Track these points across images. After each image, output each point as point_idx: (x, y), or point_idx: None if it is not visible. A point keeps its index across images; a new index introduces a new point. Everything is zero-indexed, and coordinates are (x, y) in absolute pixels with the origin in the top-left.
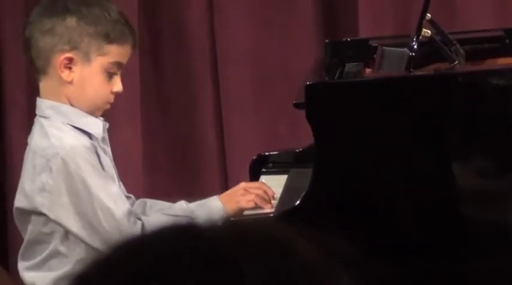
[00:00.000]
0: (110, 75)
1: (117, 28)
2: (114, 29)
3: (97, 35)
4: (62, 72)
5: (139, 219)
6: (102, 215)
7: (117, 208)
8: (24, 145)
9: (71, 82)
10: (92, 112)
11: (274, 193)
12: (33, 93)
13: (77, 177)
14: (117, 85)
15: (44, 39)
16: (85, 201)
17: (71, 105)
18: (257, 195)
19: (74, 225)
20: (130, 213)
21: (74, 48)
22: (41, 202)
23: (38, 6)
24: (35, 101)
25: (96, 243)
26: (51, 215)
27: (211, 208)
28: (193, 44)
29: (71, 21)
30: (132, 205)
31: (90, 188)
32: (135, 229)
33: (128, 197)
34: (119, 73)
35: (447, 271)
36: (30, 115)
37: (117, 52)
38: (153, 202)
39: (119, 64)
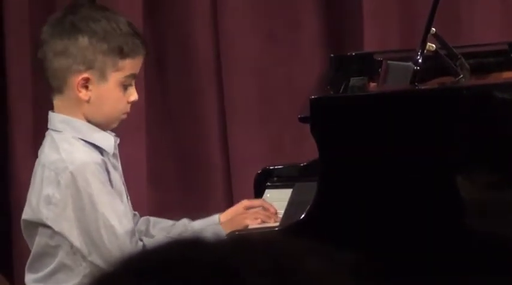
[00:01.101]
0: (125, 87)
1: (129, 41)
2: (127, 42)
3: (110, 51)
4: (80, 92)
5: (141, 240)
6: (105, 233)
7: (121, 227)
8: (29, 157)
9: (88, 101)
10: (110, 125)
11: (275, 210)
12: (38, 105)
13: (84, 193)
14: (133, 95)
15: (57, 60)
16: (90, 217)
17: (87, 120)
18: (258, 212)
19: (76, 240)
20: (133, 233)
21: (89, 67)
22: (46, 215)
23: (46, 25)
24: (41, 114)
25: (97, 260)
26: (55, 228)
27: (213, 234)
28: (198, 57)
29: (83, 40)
30: (136, 222)
31: (96, 205)
32: (136, 250)
33: (133, 216)
34: (133, 83)
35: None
36: (35, 128)
37: (131, 66)
38: (156, 220)
39: (133, 76)
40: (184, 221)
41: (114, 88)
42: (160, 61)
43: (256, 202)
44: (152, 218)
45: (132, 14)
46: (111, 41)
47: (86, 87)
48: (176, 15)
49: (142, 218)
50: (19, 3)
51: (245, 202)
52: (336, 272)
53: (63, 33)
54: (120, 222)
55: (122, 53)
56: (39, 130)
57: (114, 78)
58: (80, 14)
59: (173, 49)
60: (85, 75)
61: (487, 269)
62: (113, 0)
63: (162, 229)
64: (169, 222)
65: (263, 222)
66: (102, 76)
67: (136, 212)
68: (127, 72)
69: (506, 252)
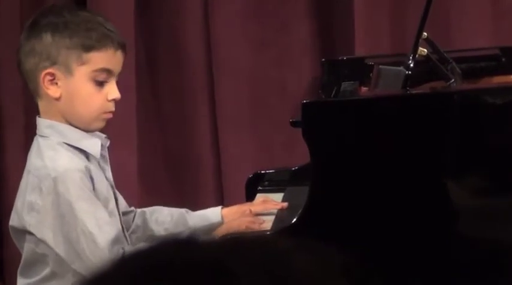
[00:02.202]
0: (99, 84)
1: (93, 35)
2: (90, 36)
3: (73, 45)
4: (48, 89)
5: (122, 249)
6: (84, 240)
7: (101, 235)
8: (20, 161)
9: (59, 99)
10: (91, 125)
11: (284, 206)
12: (31, 110)
13: (64, 200)
14: (112, 93)
15: (28, 61)
16: (70, 225)
17: (68, 122)
18: (242, 221)
19: (58, 247)
20: (116, 241)
21: (53, 63)
22: (28, 221)
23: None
24: (32, 118)
25: (78, 267)
26: (37, 235)
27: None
28: (189, 60)
29: (46, 37)
30: (133, 217)
31: (76, 213)
32: (131, 251)
33: (129, 212)
34: (111, 80)
35: None
36: (27, 133)
37: (98, 59)
38: (153, 210)
39: (107, 71)
40: (184, 215)
41: (83, 83)
42: (152, 63)
43: (259, 207)
44: (148, 210)
45: (123, 16)
46: (73, 36)
47: (56, 84)
48: (168, 17)
49: (138, 211)
50: (10, 7)
51: (247, 206)
52: (329, 274)
53: (29, 34)
54: (100, 229)
55: (86, 46)
56: (31, 135)
57: (81, 72)
58: (43, 12)
59: (165, 51)
60: (49, 70)
61: (477, 271)
62: (104, 3)
63: (160, 224)
64: (167, 214)
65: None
66: (68, 71)
67: (133, 208)
68: (95, 66)
69: (498, 255)
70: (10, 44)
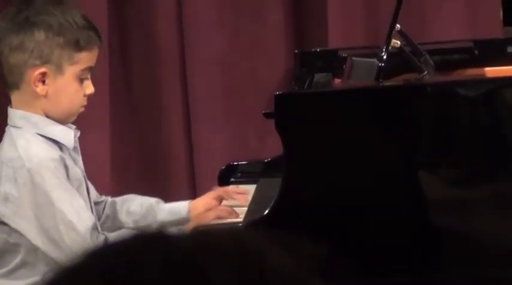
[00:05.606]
0: (81, 81)
1: (85, 34)
2: (82, 35)
3: (66, 44)
4: (37, 86)
5: (103, 234)
6: (64, 229)
7: (81, 222)
8: None
9: (45, 96)
10: (69, 119)
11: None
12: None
13: (40, 190)
14: (89, 88)
15: (14, 55)
16: (47, 214)
17: (46, 115)
18: (219, 209)
19: (36, 238)
20: (94, 228)
21: (45, 62)
22: (3, 212)
23: (0, 21)
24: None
25: (57, 256)
26: (12, 225)
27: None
28: (162, 52)
29: (39, 34)
30: (104, 207)
31: (53, 202)
32: (99, 245)
33: (100, 202)
34: (89, 76)
35: (418, 279)
36: None
37: (87, 59)
38: (124, 199)
39: (89, 69)
40: (153, 208)
41: (70, 82)
42: (125, 53)
43: (222, 192)
44: (118, 200)
45: (96, 6)
46: (66, 34)
47: (43, 82)
48: (141, 7)
49: (109, 201)
50: None
51: (212, 194)
52: (302, 268)
53: (19, 28)
54: (79, 217)
55: (78, 46)
56: None
57: (71, 71)
58: (34, 9)
59: (138, 42)
60: (42, 69)
61: (451, 263)
62: None
63: (130, 215)
64: (138, 204)
65: (226, 218)
66: (59, 70)
67: (103, 197)
68: (83, 65)
69: (469, 247)
70: None
